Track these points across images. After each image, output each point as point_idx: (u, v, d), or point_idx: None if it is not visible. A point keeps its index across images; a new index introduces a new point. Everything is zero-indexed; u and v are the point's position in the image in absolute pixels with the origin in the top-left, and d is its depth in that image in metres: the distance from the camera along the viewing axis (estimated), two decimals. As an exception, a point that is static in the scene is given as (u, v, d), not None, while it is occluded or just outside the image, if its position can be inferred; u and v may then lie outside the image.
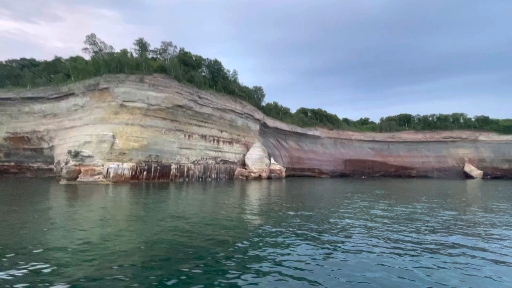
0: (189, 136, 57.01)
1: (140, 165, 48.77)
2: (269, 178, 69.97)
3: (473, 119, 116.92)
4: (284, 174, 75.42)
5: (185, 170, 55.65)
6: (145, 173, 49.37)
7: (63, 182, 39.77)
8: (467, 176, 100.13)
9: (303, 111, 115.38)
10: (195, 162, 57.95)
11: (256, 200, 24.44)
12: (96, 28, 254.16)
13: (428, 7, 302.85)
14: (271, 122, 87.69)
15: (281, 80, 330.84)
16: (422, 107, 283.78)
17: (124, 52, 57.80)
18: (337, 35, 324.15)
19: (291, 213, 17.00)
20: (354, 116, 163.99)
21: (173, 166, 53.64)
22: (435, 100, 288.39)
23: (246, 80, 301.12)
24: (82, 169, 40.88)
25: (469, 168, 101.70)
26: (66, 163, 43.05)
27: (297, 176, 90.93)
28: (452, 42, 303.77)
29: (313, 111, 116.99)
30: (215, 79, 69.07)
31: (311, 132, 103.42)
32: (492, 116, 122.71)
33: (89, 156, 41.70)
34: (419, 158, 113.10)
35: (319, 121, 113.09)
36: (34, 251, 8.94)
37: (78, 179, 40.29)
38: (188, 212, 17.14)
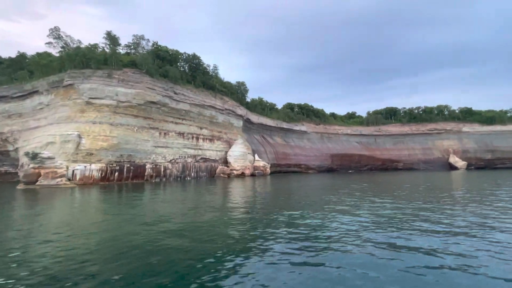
0: (165, 134, 54.10)
1: (111, 165, 45.70)
2: (252, 175, 67.86)
3: (457, 111, 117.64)
4: (268, 170, 73.48)
5: (162, 169, 52.88)
6: (116, 174, 46.34)
7: (20, 186, 36.42)
8: (452, 167, 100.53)
9: (289, 106, 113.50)
10: (173, 161, 55.20)
11: (236, 200, 22.09)
12: (81, 26, 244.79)
13: (417, 1, 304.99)
14: (255, 118, 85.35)
15: (270, 76, 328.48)
16: (410, 100, 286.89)
17: (94, 46, 54.10)
18: (327, 30, 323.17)
19: (274, 215, 14.77)
20: (342, 111, 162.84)
21: (148, 166, 50.79)
22: (422, 94, 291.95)
23: (235, 77, 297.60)
24: (42, 171, 37.57)
25: (454, 159, 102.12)
26: (29, 165, 39.65)
27: (283, 172, 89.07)
28: (440, 36, 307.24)
29: (299, 106, 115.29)
30: (194, 74, 66.08)
31: (297, 127, 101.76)
32: (476, 107, 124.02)
33: (49, 158, 38.36)
34: (405, 151, 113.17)
35: (306, 116, 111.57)
36: None
37: (38, 183, 37.01)
38: (158, 217, 14.73)
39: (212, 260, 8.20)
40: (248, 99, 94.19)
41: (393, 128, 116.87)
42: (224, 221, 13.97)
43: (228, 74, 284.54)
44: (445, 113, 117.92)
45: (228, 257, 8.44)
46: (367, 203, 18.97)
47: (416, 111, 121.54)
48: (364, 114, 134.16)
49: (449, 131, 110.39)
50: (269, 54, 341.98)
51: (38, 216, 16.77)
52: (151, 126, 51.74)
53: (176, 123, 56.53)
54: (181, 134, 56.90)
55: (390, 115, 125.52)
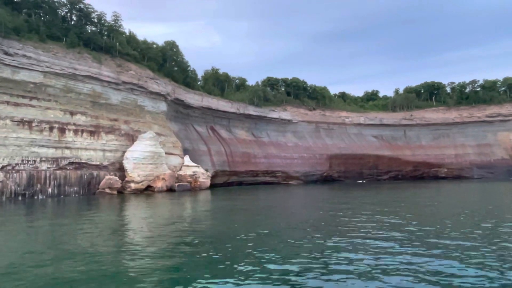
0: (-11, 122, 42.80)
1: None
2: (171, 190, 55.56)
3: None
4: (204, 181, 60.69)
5: (-18, 183, 41.77)
6: None
7: None
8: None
9: (269, 82, 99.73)
10: (9, 167, 43.90)
11: None
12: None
13: None
14: (197, 99, 72.41)
15: (281, 49, 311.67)
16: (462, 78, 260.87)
17: None
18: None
19: None
20: (359, 92, 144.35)
21: (-50, 177, 39.75)
22: (493, 69, 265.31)
23: (234, 51, 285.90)
24: None
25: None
26: None
27: (247, 184, 75.96)
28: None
29: (285, 82, 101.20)
30: (67, 26, 54.62)
31: (275, 114, 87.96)
32: None
33: None
34: (451, 149, 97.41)
35: (295, 97, 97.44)
36: None
37: None
38: None
39: None
40: (201, 72, 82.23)
41: (433, 114, 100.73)
42: None
43: (222, 51, 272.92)
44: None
45: None
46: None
47: (470, 87, 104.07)
48: (392, 94, 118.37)
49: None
50: (278, 20, 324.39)
51: None
52: (-42, 109, 40.56)
53: (16, 104, 44.93)
54: (25, 123, 45.25)
55: (430, 94, 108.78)
